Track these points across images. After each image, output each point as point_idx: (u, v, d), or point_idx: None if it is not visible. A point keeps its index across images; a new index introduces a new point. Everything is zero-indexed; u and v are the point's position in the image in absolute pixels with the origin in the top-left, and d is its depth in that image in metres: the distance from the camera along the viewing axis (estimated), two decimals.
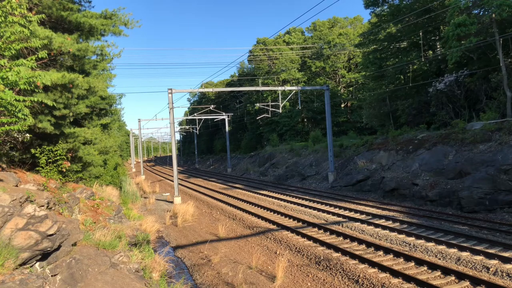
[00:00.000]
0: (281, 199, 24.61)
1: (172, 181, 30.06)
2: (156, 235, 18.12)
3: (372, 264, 11.31)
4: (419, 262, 11.18)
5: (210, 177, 46.86)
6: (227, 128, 53.98)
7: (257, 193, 28.41)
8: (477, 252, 11.57)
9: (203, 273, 13.13)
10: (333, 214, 18.77)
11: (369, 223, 16.25)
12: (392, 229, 15.00)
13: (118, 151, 44.32)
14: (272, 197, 26.05)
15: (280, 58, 61.06)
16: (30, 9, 11.68)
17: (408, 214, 17.73)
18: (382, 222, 16.48)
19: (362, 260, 11.73)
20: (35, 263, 6.84)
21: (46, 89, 13.12)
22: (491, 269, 10.32)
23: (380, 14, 37.42)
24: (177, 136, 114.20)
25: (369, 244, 13.33)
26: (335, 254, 12.67)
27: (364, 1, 37.34)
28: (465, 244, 12.23)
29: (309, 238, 14.80)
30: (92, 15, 15.89)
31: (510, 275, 9.87)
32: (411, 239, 13.66)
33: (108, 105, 24.06)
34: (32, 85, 9.23)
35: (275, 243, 14.97)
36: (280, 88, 33.13)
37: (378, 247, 12.85)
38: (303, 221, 17.48)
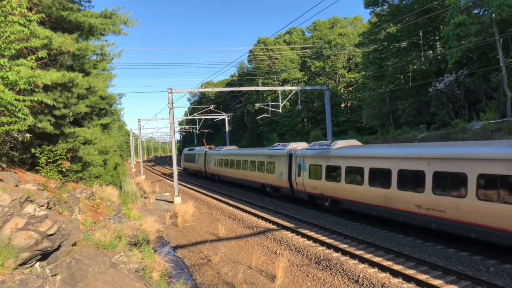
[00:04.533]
0: (281, 199, 24.59)
1: (172, 181, 30.06)
2: (156, 235, 18.12)
3: (372, 264, 11.31)
4: (420, 262, 11.18)
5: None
6: (227, 128, 53.96)
7: (257, 192, 28.39)
8: None
9: (203, 273, 13.13)
10: (333, 214, 18.76)
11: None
12: None
13: (118, 151, 44.35)
14: (272, 197, 26.01)
15: (280, 58, 61.08)
16: (30, 9, 11.69)
17: None
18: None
19: (362, 260, 11.73)
20: (35, 263, 6.83)
21: (46, 88, 13.12)
22: None
23: (380, 14, 37.43)
24: (177, 136, 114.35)
25: (369, 244, 13.32)
26: (335, 254, 12.67)
27: (364, 1, 37.34)
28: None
29: (309, 238, 14.79)
30: (92, 15, 15.90)
31: None
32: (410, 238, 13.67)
33: (108, 105, 24.08)
34: (32, 85, 9.24)
35: (275, 243, 14.96)
36: (280, 88, 33.13)
37: (377, 246, 12.84)
38: (303, 221, 17.47)
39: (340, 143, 19.11)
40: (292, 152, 22.49)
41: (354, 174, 16.36)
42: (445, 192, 12.06)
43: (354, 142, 19.93)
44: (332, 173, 17.97)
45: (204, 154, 43.15)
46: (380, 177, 14.82)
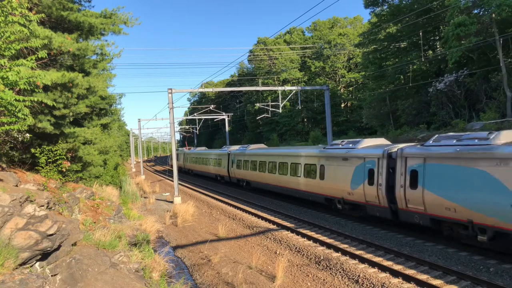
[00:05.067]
0: (281, 199, 24.59)
1: (172, 181, 30.06)
2: (156, 235, 18.11)
3: (372, 263, 11.31)
4: (420, 262, 11.18)
5: (210, 177, 46.77)
6: (227, 128, 53.94)
7: (257, 193, 28.39)
8: None
9: (203, 273, 13.13)
10: (333, 214, 18.75)
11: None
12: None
13: (118, 151, 44.43)
14: (272, 197, 26.02)
15: (280, 58, 61.07)
16: (30, 9, 11.67)
17: None
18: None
19: (362, 259, 11.73)
20: (35, 263, 6.83)
21: (46, 88, 13.12)
22: None
23: (380, 14, 37.43)
24: (177, 136, 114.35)
25: (369, 244, 13.33)
26: (335, 254, 12.66)
27: (364, 1, 37.35)
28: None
29: (309, 238, 14.79)
30: (91, 14, 15.89)
31: None
32: (410, 238, 13.67)
33: (108, 105, 24.04)
34: (32, 85, 9.23)
35: (275, 243, 14.96)
36: (280, 88, 33.11)
37: (377, 246, 12.85)
38: (303, 221, 17.47)
39: (252, 146, 30.75)
40: (230, 152, 33.25)
41: (255, 165, 27.20)
42: (285, 173, 22.54)
43: (261, 145, 31.89)
44: (246, 165, 29.04)
45: (183, 153, 55.57)
46: (261, 166, 25.94)
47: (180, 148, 63.69)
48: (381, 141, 17.60)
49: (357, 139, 18.11)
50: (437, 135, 13.73)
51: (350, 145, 17.46)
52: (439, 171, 12.23)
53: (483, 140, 11.38)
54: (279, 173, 23.29)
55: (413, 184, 13.09)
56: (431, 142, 13.33)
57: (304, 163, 20.40)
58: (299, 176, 20.76)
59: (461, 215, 11.45)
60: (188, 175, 50.51)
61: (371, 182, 15.17)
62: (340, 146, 18.04)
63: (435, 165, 12.42)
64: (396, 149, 14.43)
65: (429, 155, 12.71)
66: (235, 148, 34.11)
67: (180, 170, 57.24)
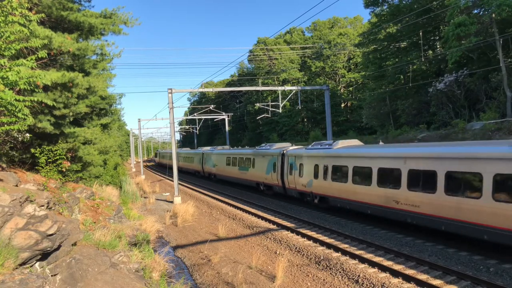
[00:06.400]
0: (281, 199, 24.59)
1: (172, 181, 30.06)
2: (156, 235, 18.11)
3: (372, 263, 11.31)
4: (420, 262, 11.18)
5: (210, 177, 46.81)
6: (227, 128, 53.93)
7: (257, 193, 28.40)
8: None
9: (203, 273, 13.13)
10: (333, 214, 18.75)
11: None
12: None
13: (118, 151, 44.66)
14: (272, 197, 26.02)
15: (280, 58, 61.05)
16: (30, 9, 11.66)
17: None
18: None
19: (362, 259, 11.73)
20: (35, 263, 6.83)
21: (46, 88, 13.12)
22: None
23: (380, 14, 37.43)
24: (177, 136, 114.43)
25: (369, 244, 13.33)
26: (335, 254, 12.66)
27: (364, 1, 37.35)
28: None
29: (309, 238, 14.79)
30: (91, 14, 15.88)
31: None
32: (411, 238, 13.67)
33: (108, 105, 24.06)
34: (32, 85, 9.23)
35: (275, 243, 14.96)
36: (280, 88, 33.07)
37: (377, 246, 12.85)
38: (303, 221, 17.48)
39: (185, 149, 62.00)
40: (177, 152, 53.65)
41: (186, 159, 52.09)
42: (188, 162, 52.54)
43: (187, 149, 60.95)
44: (185, 159, 52.66)
45: (158, 152, 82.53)
46: (184, 159, 53.15)
47: (162, 150, 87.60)
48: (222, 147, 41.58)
49: (200, 148, 45.35)
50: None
51: (198, 149, 43.94)
52: (209, 157, 39.75)
53: (214, 149, 40.38)
54: (187, 162, 50.22)
55: (205, 162, 41.26)
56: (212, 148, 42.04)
57: (193, 157, 47.04)
58: (193, 163, 46.69)
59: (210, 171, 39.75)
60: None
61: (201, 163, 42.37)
62: (190, 149, 53.72)
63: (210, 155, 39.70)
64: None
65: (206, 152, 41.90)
66: (181, 149, 60.85)
67: (160, 164, 76.64)
